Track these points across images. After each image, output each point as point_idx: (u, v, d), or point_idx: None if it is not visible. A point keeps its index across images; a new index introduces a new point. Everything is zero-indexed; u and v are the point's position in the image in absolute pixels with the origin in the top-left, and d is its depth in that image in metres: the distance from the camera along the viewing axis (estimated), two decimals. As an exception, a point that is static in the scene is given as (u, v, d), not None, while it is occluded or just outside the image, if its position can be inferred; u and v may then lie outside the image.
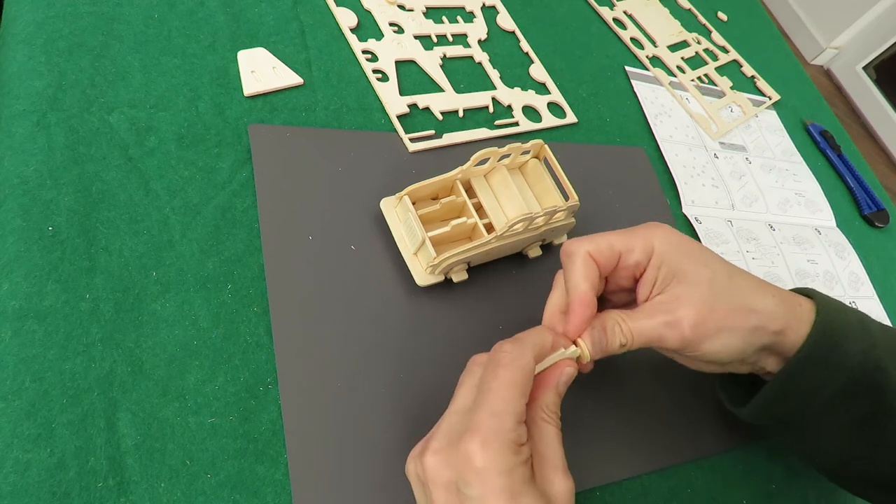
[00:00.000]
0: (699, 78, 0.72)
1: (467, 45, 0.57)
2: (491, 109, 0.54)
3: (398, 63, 0.52)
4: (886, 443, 0.36)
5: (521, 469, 0.29)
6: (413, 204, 0.40)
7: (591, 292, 0.35)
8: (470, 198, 0.42)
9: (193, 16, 0.47)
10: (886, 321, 0.61)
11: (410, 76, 0.52)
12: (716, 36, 0.80)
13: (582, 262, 0.35)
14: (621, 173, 0.57)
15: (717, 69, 0.75)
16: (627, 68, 0.67)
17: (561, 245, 0.48)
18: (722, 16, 0.84)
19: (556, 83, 0.59)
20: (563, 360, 0.34)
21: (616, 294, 0.39)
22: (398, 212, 0.42)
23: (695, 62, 0.74)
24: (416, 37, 0.55)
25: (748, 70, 0.78)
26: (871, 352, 0.34)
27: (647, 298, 0.36)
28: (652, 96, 0.65)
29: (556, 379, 0.33)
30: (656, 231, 0.36)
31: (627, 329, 0.34)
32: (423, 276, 0.41)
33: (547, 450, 0.31)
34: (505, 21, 0.62)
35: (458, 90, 0.53)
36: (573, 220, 0.45)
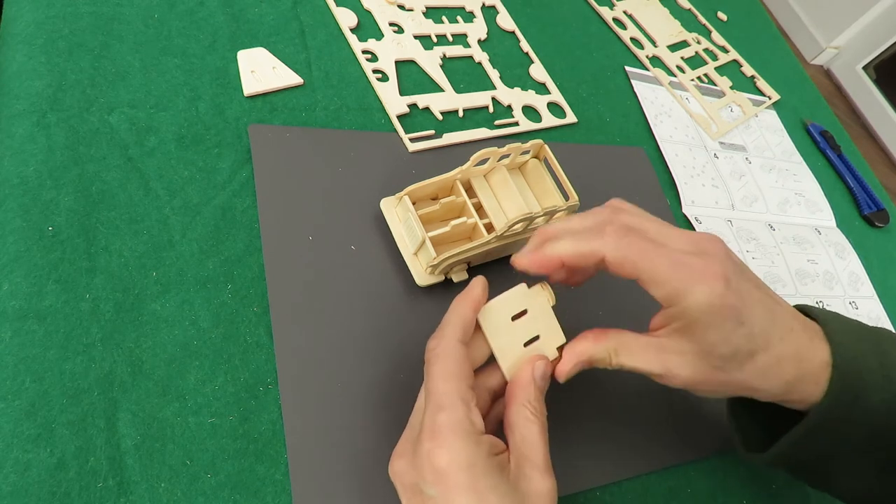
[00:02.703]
0: (699, 78, 0.72)
1: (467, 45, 0.57)
2: (491, 109, 0.54)
3: (398, 63, 0.52)
4: None
5: (485, 462, 0.28)
6: (413, 204, 0.40)
7: (560, 263, 0.32)
8: (470, 198, 0.42)
9: (193, 16, 0.47)
10: (887, 321, 0.61)
11: (410, 76, 0.52)
12: (716, 36, 0.80)
13: (586, 253, 0.31)
14: (621, 173, 0.57)
15: (717, 69, 0.75)
16: (627, 68, 0.67)
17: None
18: (722, 16, 0.84)
19: (556, 83, 0.59)
20: (534, 355, 0.33)
21: None
22: (398, 212, 0.42)
23: (695, 62, 0.74)
24: (416, 37, 0.55)
25: (748, 70, 0.78)
26: (894, 401, 0.32)
27: (653, 329, 0.33)
28: (652, 96, 0.65)
29: (531, 374, 0.32)
30: (698, 286, 0.30)
31: (616, 362, 0.33)
32: (423, 276, 0.41)
33: (528, 448, 0.30)
34: (505, 21, 0.62)
35: (458, 90, 0.53)
36: (573, 220, 0.45)
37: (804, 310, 0.35)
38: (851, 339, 0.33)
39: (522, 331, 0.34)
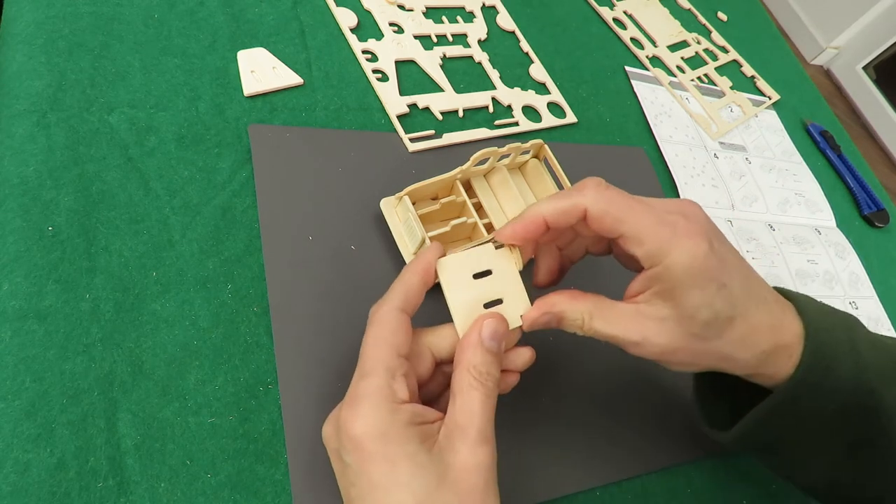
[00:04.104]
0: (699, 78, 0.72)
1: (467, 45, 0.57)
2: (491, 109, 0.54)
3: (398, 63, 0.52)
4: (876, 466, 0.34)
5: (400, 430, 0.27)
6: (413, 204, 0.40)
7: (544, 224, 0.31)
8: (470, 198, 0.42)
9: (193, 16, 0.47)
10: (886, 321, 0.61)
11: (410, 76, 0.52)
12: (716, 36, 0.80)
13: (568, 208, 0.30)
14: (621, 173, 0.57)
15: (717, 69, 0.75)
16: (627, 68, 0.67)
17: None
18: (722, 16, 0.84)
19: (556, 83, 0.59)
20: (483, 313, 0.31)
21: None
22: (398, 212, 0.42)
23: (695, 62, 0.74)
24: (416, 37, 0.55)
25: (748, 70, 0.78)
26: (863, 375, 0.32)
27: (629, 297, 0.32)
28: (652, 96, 0.65)
29: (478, 335, 0.30)
30: (681, 243, 0.29)
31: (589, 328, 0.32)
32: (423, 276, 0.41)
33: (464, 417, 0.28)
34: (505, 21, 0.62)
35: (457, 90, 0.53)
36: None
37: (775, 289, 0.35)
38: (821, 315, 0.33)
39: (484, 291, 0.32)
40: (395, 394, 0.28)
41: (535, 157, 0.45)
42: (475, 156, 0.40)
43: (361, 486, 0.27)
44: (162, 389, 0.33)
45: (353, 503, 0.28)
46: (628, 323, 0.31)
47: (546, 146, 0.43)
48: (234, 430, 0.33)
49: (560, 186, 0.43)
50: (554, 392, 0.42)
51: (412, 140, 0.48)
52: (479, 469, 0.27)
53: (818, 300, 0.35)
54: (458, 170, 0.42)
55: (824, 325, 0.32)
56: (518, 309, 0.32)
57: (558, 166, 0.42)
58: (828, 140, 0.77)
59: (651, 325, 0.31)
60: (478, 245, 0.33)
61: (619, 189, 0.31)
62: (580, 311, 0.31)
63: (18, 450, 0.29)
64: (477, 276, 0.32)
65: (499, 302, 0.32)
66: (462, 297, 0.31)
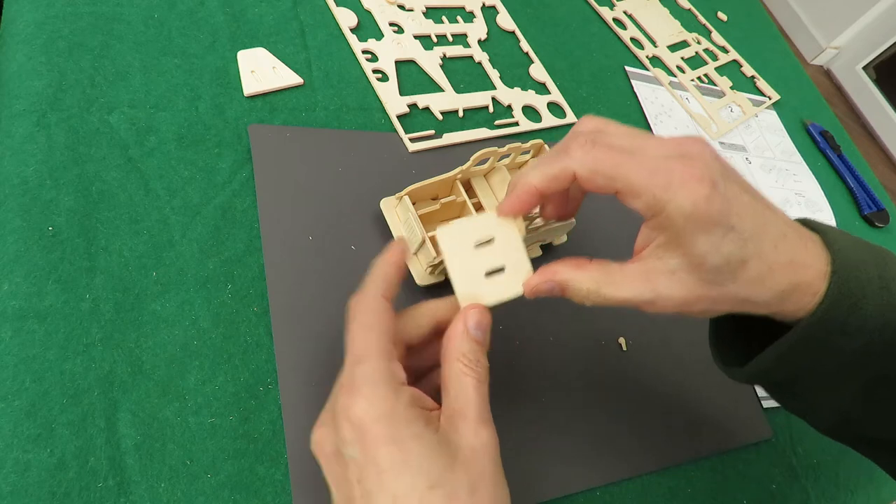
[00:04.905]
0: (699, 78, 0.72)
1: (467, 45, 0.57)
2: (491, 109, 0.54)
3: (398, 63, 0.52)
4: (894, 405, 0.32)
5: (405, 410, 0.26)
6: (413, 204, 0.40)
7: (538, 193, 0.30)
8: (470, 198, 0.42)
9: (193, 16, 0.47)
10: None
11: (410, 76, 0.52)
12: (716, 36, 0.80)
13: (558, 173, 0.30)
14: (621, 173, 0.57)
15: (717, 69, 0.75)
16: (627, 68, 0.67)
17: (561, 245, 0.48)
18: (722, 16, 0.84)
19: (556, 83, 0.59)
20: (467, 304, 0.30)
21: None
22: (398, 212, 0.42)
23: (695, 62, 0.74)
24: (416, 37, 0.55)
25: (748, 70, 0.78)
26: (892, 314, 0.29)
27: (637, 252, 0.31)
28: (652, 96, 0.65)
29: (463, 326, 0.30)
30: (680, 190, 0.27)
31: (597, 297, 0.30)
32: (423, 276, 0.41)
33: (461, 403, 0.28)
34: (505, 21, 0.62)
35: (458, 90, 0.53)
36: (573, 220, 0.45)
37: (803, 222, 0.33)
38: (851, 248, 0.31)
39: (485, 259, 0.31)
40: (395, 375, 0.27)
41: (536, 157, 0.45)
42: (475, 156, 0.40)
43: (368, 477, 0.25)
44: (162, 389, 0.33)
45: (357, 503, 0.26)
46: (638, 283, 0.30)
47: (546, 146, 0.43)
48: (234, 430, 0.33)
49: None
50: (554, 392, 0.42)
51: (412, 140, 0.48)
52: (486, 449, 0.27)
53: (847, 232, 0.32)
54: (458, 170, 0.42)
55: (853, 261, 0.30)
56: (520, 276, 0.32)
57: (558, 166, 0.42)
58: (828, 140, 0.77)
59: (662, 279, 0.29)
60: (480, 214, 0.32)
61: (607, 142, 0.29)
62: (585, 280, 0.30)
63: (18, 450, 0.29)
64: (479, 245, 0.31)
65: (501, 270, 0.31)
66: (463, 266, 0.31)
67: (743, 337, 0.35)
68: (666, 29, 0.75)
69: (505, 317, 0.43)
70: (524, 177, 0.31)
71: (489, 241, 0.32)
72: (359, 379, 0.27)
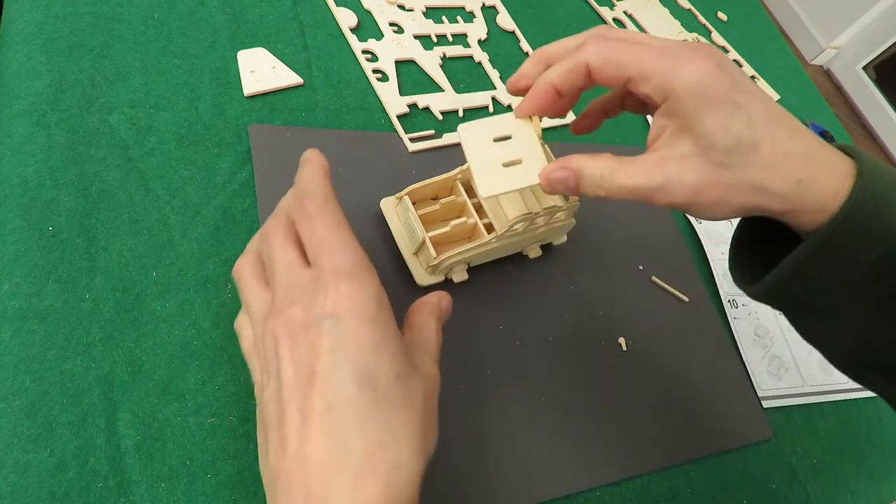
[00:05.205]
0: (699, 78, 0.72)
1: (467, 45, 0.57)
2: (491, 109, 0.54)
3: (398, 63, 0.52)
4: None
5: (388, 305, 0.28)
6: (413, 204, 0.40)
7: (554, 90, 0.32)
8: (470, 198, 0.42)
9: (193, 16, 0.47)
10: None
11: (410, 76, 0.52)
12: (716, 36, 0.80)
13: (572, 67, 0.31)
14: (621, 173, 0.57)
15: (717, 69, 0.75)
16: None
17: (561, 245, 0.48)
18: (722, 16, 0.84)
19: (556, 83, 0.59)
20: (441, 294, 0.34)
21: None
22: (398, 212, 0.42)
23: (695, 62, 0.74)
24: (416, 37, 0.55)
25: (748, 70, 0.78)
26: None
27: (650, 144, 0.31)
28: (652, 96, 0.65)
29: (438, 298, 0.33)
30: (686, 67, 0.29)
31: (611, 184, 0.31)
32: (423, 276, 0.41)
33: (424, 339, 0.31)
34: (505, 21, 0.62)
35: (458, 90, 0.53)
36: (573, 220, 0.45)
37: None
38: (876, 160, 0.30)
39: (503, 151, 0.33)
40: (371, 266, 0.28)
41: (535, 156, 0.45)
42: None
43: (345, 348, 0.26)
44: (162, 389, 0.33)
45: (323, 357, 0.26)
46: (650, 170, 0.30)
47: (546, 146, 0.43)
48: (234, 430, 0.33)
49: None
50: (554, 392, 0.42)
51: (412, 140, 0.48)
52: (435, 381, 0.30)
53: None
54: (458, 170, 0.42)
55: (880, 167, 0.29)
56: (536, 168, 0.33)
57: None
58: (828, 140, 0.77)
59: (673, 165, 0.30)
60: (499, 115, 0.34)
61: (623, 33, 0.31)
62: (599, 167, 0.31)
63: (18, 450, 0.29)
64: (497, 140, 0.33)
65: (518, 162, 0.33)
66: (483, 157, 0.33)
67: (762, 258, 0.34)
68: (666, 29, 0.75)
69: (505, 317, 0.43)
70: (542, 76, 0.32)
71: (508, 139, 0.34)
72: (347, 266, 0.27)
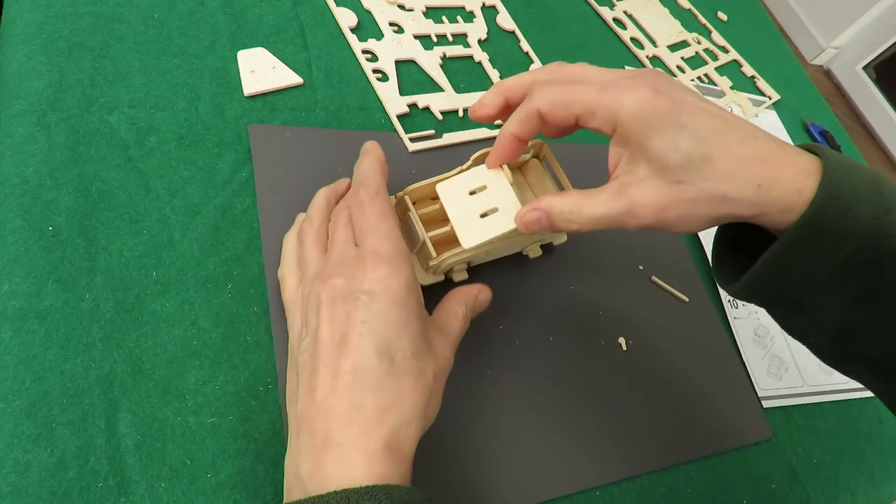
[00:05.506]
0: (699, 78, 0.72)
1: (467, 45, 0.57)
2: (491, 109, 0.54)
3: (398, 63, 0.52)
4: (891, 319, 0.31)
5: (418, 294, 0.32)
6: (413, 204, 0.40)
7: (516, 138, 0.35)
8: (470, 198, 0.42)
9: (193, 16, 0.47)
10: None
11: (410, 76, 0.52)
12: (716, 36, 0.80)
13: (525, 116, 0.34)
14: (621, 173, 0.57)
15: (717, 69, 0.75)
16: (628, 68, 0.67)
17: (561, 245, 0.48)
18: (722, 16, 0.84)
19: (556, 83, 0.59)
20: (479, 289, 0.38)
21: None
22: (398, 211, 0.42)
23: (695, 62, 0.74)
24: (416, 37, 0.55)
25: (748, 70, 0.78)
26: (885, 217, 0.29)
27: (612, 172, 0.33)
28: (652, 96, 0.65)
29: (477, 290, 0.38)
30: (625, 98, 0.30)
31: (580, 217, 0.33)
32: (423, 275, 0.41)
33: (447, 324, 0.35)
34: (505, 21, 0.62)
35: (458, 90, 0.53)
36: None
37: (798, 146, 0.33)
38: (843, 158, 0.31)
39: (480, 203, 0.37)
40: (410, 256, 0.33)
41: (536, 156, 0.45)
42: (475, 156, 0.40)
43: (375, 321, 0.30)
44: (162, 389, 0.33)
45: (353, 332, 0.30)
46: (613, 197, 0.32)
47: (546, 145, 0.43)
48: (234, 429, 0.33)
49: (560, 186, 0.43)
50: (554, 392, 0.42)
51: (412, 140, 0.48)
52: (448, 365, 0.34)
53: None
54: (458, 170, 0.42)
55: (845, 167, 0.30)
56: (512, 214, 0.36)
57: (558, 166, 0.42)
58: (828, 140, 0.77)
59: (634, 189, 0.31)
60: (471, 169, 0.38)
61: (568, 72, 0.34)
62: (567, 203, 0.33)
63: (18, 450, 0.29)
64: (472, 192, 0.37)
65: (495, 210, 0.36)
66: (461, 211, 0.37)
67: (742, 257, 0.35)
68: (666, 29, 0.75)
69: (505, 317, 0.43)
70: (502, 129, 0.35)
71: (482, 189, 0.37)
72: (388, 252, 0.32)
